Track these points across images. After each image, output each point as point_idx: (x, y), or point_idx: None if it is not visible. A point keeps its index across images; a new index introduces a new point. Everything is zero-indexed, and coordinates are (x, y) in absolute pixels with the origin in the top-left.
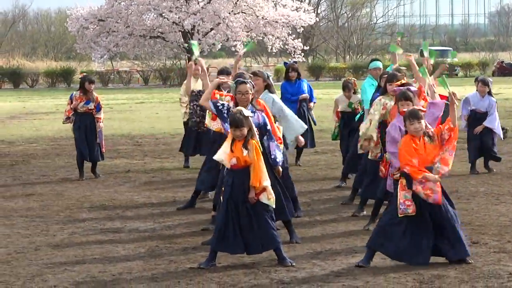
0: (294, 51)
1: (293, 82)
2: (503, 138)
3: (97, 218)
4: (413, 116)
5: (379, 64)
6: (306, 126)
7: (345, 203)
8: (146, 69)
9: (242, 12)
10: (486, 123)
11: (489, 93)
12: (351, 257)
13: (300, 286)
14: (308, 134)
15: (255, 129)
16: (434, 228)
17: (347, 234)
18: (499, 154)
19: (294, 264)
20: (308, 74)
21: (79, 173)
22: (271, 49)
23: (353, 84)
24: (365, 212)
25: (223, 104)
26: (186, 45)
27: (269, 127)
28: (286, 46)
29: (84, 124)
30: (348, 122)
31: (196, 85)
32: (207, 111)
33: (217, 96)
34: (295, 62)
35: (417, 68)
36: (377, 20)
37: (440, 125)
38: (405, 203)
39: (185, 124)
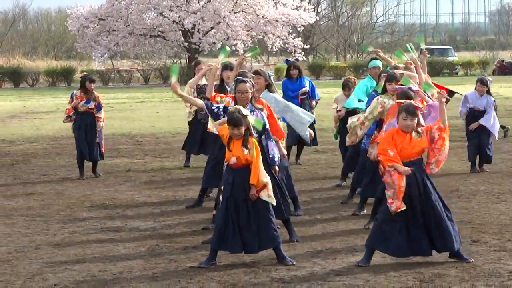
0: (295, 50)
1: (295, 80)
2: (505, 136)
3: (98, 217)
4: (408, 112)
5: (379, 63)
6: (314, 116)
7: (345, 202)
8: (146, 68)
9: (242, 11)
10: (481, 121)
11: (488, 92)
12: (351, 256)
13: (301, 285)
14: None
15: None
16: (424, 220)
17: (348, 233)
18: (500, 152)
19: (294, 263)
20: (308, 73)
21: (79, 172)
22: (272, 48)
23: (353, 83)
24: (365, 211)
25: (218, 107)
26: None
27: (267, 126)
28: (287, 45)
29: (85, 123)
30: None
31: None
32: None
33: (218, 99)
34: (297, 59)
35: (423, 78)
36: (377, 19)
37: (430, 124)
38: (388, 201)
39: (190, 123)
